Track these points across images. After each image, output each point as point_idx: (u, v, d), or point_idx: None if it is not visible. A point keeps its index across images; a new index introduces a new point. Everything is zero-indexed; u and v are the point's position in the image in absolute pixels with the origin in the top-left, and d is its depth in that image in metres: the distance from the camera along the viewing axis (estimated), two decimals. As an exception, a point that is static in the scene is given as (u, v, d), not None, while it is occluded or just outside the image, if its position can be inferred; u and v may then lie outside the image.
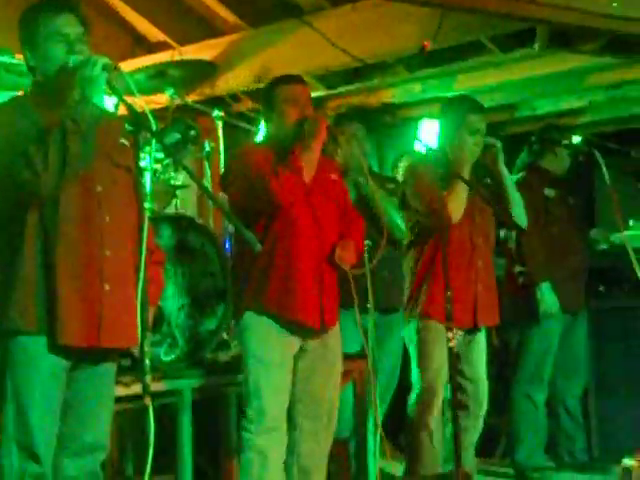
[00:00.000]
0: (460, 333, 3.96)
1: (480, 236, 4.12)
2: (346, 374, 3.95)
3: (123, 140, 2.91)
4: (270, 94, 3.62)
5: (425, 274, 4.03)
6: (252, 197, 3.43)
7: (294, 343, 3.51)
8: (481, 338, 4.18)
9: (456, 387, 3.62)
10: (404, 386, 4.33)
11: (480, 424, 4.16)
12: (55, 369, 2.72)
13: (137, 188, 2.78)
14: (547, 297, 4.69)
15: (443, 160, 4.08)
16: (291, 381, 3.51)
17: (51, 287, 2.70)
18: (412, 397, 4.10)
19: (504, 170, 4.15)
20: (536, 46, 4.39)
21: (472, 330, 4.12)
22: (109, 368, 2.87)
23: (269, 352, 3.45)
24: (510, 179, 4.19)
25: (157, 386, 3.54)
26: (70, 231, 2.73)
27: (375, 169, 5.32)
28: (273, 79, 3.74)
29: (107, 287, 2.76)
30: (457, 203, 3.94)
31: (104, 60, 2.70)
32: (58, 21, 2.78)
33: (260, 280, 3.45)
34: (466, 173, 3.97)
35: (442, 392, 4.01)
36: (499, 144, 4.11)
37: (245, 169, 3.47)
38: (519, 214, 4.19)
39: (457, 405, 3.63)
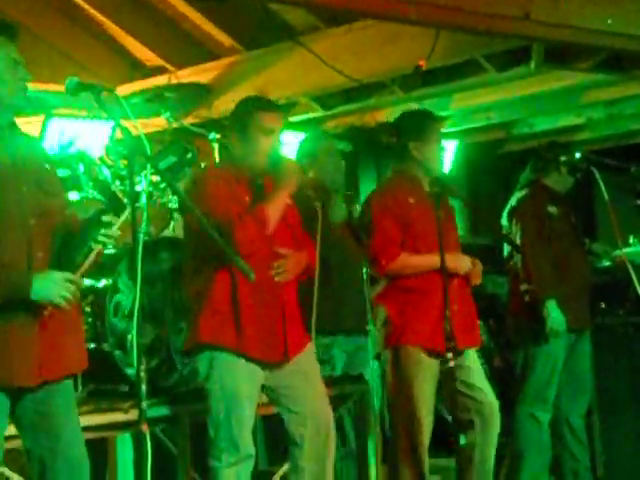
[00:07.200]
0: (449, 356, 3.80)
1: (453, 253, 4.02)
2: (343, 397, 3.91)
3: None
4: (245, 117, 3.46)
5: (405, 299, 3.93)
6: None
7: None
8: (471, 360, 4.04)
9: (458, 408, 3.55)
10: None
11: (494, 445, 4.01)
12: None
13: None
14: (554, 315, 4.59)
15: None
16: None
17: None
18: (394, 429, 3.96)
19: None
20: (532, 64, 4.39)
21: (457, 353, 3.95)
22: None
23: None
24: None
25: (156, 411, 3.51)
26: None
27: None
28: (250, 100, 3.59)
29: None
30: None
31: None
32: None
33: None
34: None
35: (430, 421, 3.92)
36: None
37: (210, 208, 3.24)
38: None
39: (459, 427, 3.56)
